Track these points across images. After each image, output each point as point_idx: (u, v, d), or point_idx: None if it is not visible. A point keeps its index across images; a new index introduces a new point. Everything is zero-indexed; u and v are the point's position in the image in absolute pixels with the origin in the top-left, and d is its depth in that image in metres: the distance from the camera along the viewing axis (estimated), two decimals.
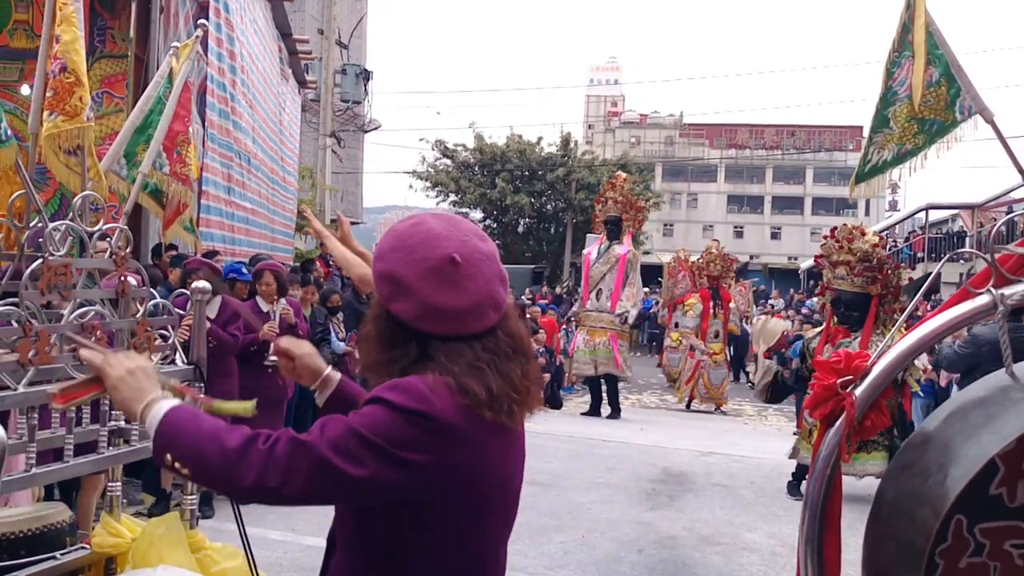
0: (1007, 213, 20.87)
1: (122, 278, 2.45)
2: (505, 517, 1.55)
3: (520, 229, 33.64)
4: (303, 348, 1.78)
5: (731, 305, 13.47)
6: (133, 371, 1.47)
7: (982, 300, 1.93)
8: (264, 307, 5.88)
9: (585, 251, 12.16)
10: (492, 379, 1.43)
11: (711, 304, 12.83)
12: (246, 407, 1.60)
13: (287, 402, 6.17)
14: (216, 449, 1.33)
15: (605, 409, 11.29)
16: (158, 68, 5.96)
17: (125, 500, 2.87)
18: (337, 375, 1.81)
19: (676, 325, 15.09)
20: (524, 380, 1.49)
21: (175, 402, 1.43)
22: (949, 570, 1.70)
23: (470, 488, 1.43)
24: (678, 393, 13.18)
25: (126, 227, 2.55)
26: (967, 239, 23.23)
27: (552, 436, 8.91)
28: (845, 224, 6.74)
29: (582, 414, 11.34)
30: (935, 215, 25.37)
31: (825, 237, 6.74)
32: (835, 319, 6.50)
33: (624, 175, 12.93)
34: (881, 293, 6.31)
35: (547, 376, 11.57)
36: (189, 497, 2.45)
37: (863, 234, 6.59)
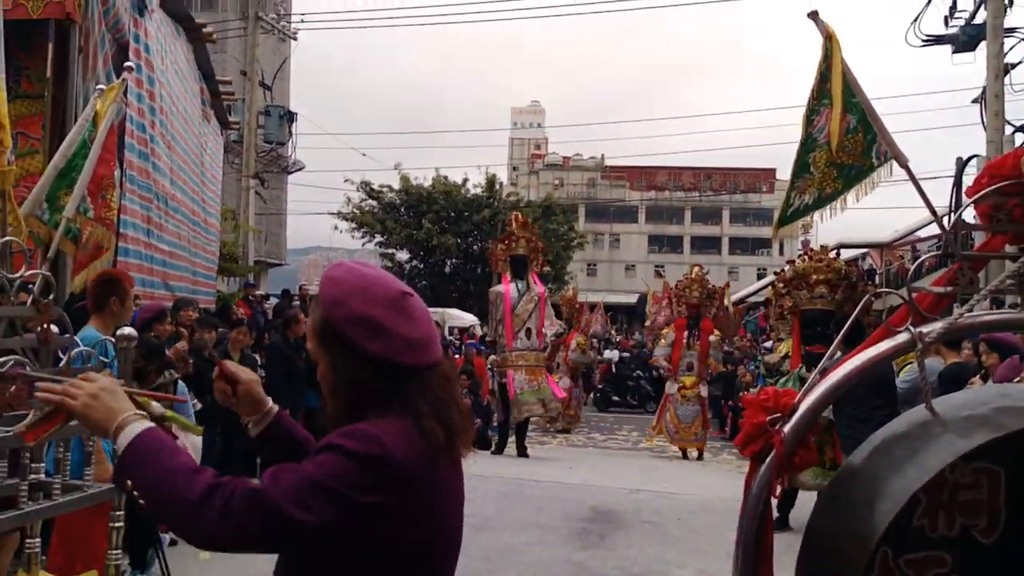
0: (912, 251, 22.03)
1: (44, 326, 2.35)
2: (454, 556, 1.56)
3: (447, 270, 33.58)
4: (249, 374, 1.73)
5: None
6: (97, 394, 1.44)
7: (902, 338, 1.99)
8: None
9: (500, 290, 11.68)
10: (453, 413, 1.48)
11: (685, 334, 11.94)
12: (197, 429, 1.71)
13: None
14: (175, 495, 1.32)
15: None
16: (76, 108, 5.79)
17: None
18: (275, 407, 1.75)
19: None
20: (467, 410, 1.57)
21: (145, 425, 1.41)
22: None
23: (424, 532, 1.43)
24: (647, 439, 12.33)
25: (48, 273, 2.46)
26: (876, 276, 24.46)
27: (482, 477, 8.81)
28: (823, 247, 6.77)
29: (491, 452, 11.15)
30: (846, 254, 26.61)
31: (789, 262, 6.67)
32: (805, 338, 6.31)
33: (523, 216, 12.95)
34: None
35: (478, 420, 11.44)
36: (114, 552, 2.34)
37: (837, 255, 6.56)
